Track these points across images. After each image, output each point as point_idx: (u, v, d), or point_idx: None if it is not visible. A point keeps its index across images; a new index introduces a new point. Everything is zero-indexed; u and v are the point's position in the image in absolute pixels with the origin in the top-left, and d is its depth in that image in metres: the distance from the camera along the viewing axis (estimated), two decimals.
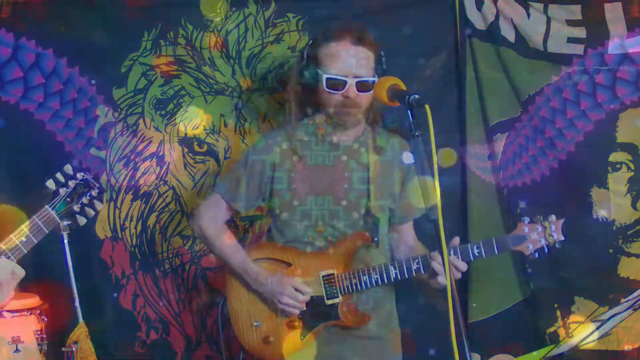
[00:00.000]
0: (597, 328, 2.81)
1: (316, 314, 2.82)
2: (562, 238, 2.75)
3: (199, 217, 3.01)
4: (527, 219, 2.78)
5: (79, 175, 2.61)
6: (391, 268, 2.78)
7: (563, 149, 3.55)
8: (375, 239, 2.86)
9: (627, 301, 2.87)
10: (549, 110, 3.56)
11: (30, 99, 3.49)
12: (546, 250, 2.76)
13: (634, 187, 3.57)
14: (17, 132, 3.50)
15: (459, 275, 2.74)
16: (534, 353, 3.49)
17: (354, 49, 2.82)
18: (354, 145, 2.92)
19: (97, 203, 2.64)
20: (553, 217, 2.77)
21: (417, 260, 2.76)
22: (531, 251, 2.76)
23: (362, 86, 2.81)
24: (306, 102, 2.94)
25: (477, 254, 2.74)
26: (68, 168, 2.61)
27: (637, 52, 3.46)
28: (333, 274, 2.82)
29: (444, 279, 2.69)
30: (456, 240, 2.76)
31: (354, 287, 2.80)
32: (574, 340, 2.88)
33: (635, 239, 3.57)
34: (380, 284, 2.80)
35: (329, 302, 2.81)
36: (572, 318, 3.57)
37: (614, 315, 2.85)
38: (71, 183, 2.58)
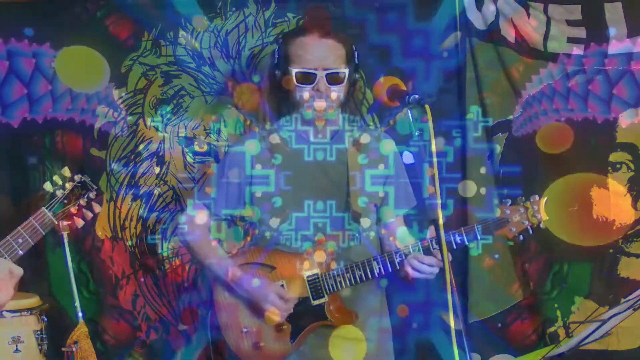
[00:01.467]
0: (597, 328, 2.80)
1: (304, 315, 2.80)
2: (546, 217, 2.71)
3: (181, 225, 2.96)
4: (508, 201, 2.73)
5: (77, 178, 2.61)
6: (374, 263, 2.74)
7: None
8: (357, 234, 2.84)
9: (627, 301, 2.86)
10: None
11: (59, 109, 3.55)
12: (530, 231, 2.73)
13: (634, 187, 3.57)
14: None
15: (441, 264, 2.67)
16: (534, 353, 3.48)
17: (322, 41, 2.79)
18: (332, 142, 2.88)
19: (95, 205, 2.63)
20: (536, 197, 2.73)
21: (399, 253, 2.74)
22: (515, 234, 2.70)
23: (333, 78, 2.77)
24: (280, 100, 2.89)
25: (459, 242, 2.69)
26: (66, 170, 2.60)
27: None
28: (317, 274, 2.80)
29: (415, 273, 2.69)
30: (432, 230, 2.71)
31: (339, 285, 2.78)
32: (574, 340, 2.86)
33: (635, 239, 3.57)
34: (364, 280, 2.77)
35: (315, 302, 2.79)
36: (572, 318, 3.57)
37: (614, 315, 2.83)
38: (68, 185, 2.58)
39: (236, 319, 2.83)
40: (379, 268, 2.74)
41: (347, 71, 2.79)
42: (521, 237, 2.73)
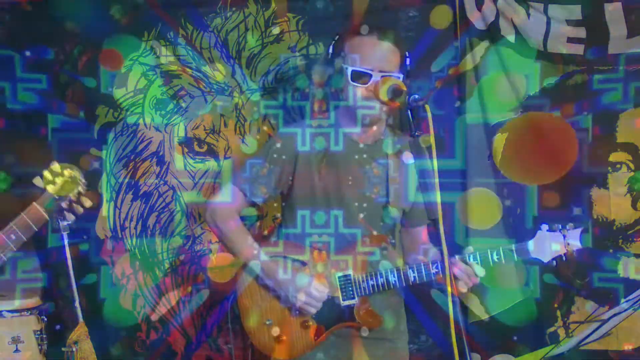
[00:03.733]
0: (597, 328, 2.80)
1: (331, 314, 2.79)
2: (580, 246, 2.75)
3: (213, 208, 2.90)
4: (545, 227, 2.77)
5: (66, 172, 2.59)
6: (410, 271, 2.75)
7: None
8: (393, 241, 2.85)
9: (627, 301, 2.87)
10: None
11: None
12: (564, 258, 2.77)
13: (634, 187, 3.57)
14: None
15: (477, 281, 2.72)
16: (534, 353, 3.49)
17: (380, 43, 2.76)
18: (375, 145, 2.89)
19: (84, 199, 2.62)
20: (571, 225, 2.77)
21: (436, 264, 2.74)
22: (549, 259, 2.76)
23: None
24: (330, 97, 2.89)
25: (496, 260, 2.73)
26: (55, 165, 2.59)
27: None
28: (350, 275, 2.80)
29: (463, 285, 2.70)
30: (470, 248, 2.75)
31: (371, 289, 2.78)
32: (574, 340, 2.87)
33: (635, 239, 3.57)
34: (397, 286, 2.78)
35: (345, 303, 2.79)
36: (572, 318, 3.57)
37: (614, 315, 2.84)
38: (58, 180, 2.57)
39: (259, 309, 2.83)
40: (414, 277, 2.75)
41: (401, 76, 2.76)
42: (554, 263, 2.76)
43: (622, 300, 3.26)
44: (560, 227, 2.76)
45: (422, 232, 2.97)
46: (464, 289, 2.72)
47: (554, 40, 3.53)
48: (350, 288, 2.78)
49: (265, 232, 2.92)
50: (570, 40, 3.53)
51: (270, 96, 3.58)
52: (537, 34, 3.54)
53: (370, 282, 2.76)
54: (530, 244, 2.75)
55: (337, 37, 2.88)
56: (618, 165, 3.58)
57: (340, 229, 2.81)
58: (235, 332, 2.89)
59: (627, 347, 3.51)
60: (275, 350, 2.79)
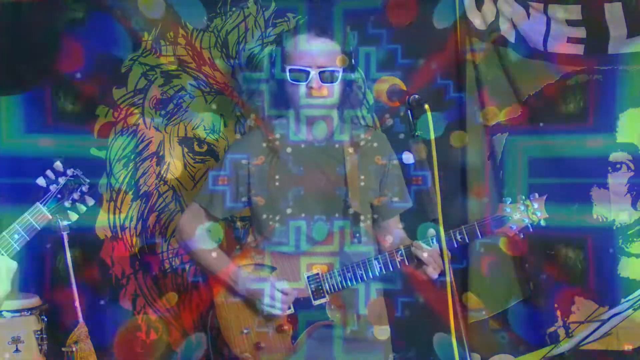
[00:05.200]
0: (597, 328, 2.81)
1: (305, 316, 2.81)
2: (546, 215, 2.73)
3: (179, 228, 2.98)
4: (508, 199, 2.75)
5: (69, 172, 2.60)
6: (375, 262, 2.76)
7: None
8: (357, 234, 2.85)
9: (627, 301, 2.87)
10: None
11: None
12: (530, 229, 2.75)
13: (634, 187, 3.57)
14: None
15: (440, 262, 2.69)
16: (534, 353, 3.49)
17: (317, 39, 2.78)
18: (328, 142, 2.88)
19: (88, 198, 2.62)
20: (535, 195, 2.75)
21: (400, 252, 2.75)
22: (515, 231, 2.74)
23: (326, 77, 2.77)
24: (277, 99, 2.89)
25: (460, 240, 2.72)
26: (58, 165, 2.60)
27: None
28: (318, 274, 2.81)
29: (432, 269, 2.70)
30: (431, 231, 2.72)
31: (340, 285, 2.79)
32: (574, 340, 2.87)
33: (635, 239, 3.57)
34: (365, 279, 2.79)
35: (316, 302, 2.80)
36: (572, 318, 3.57)
37: (614, 315, 2.85)
38: (61, 179, 2.57)
39: (237, 320, 2.84)
40: (380, 267, 2.76)
41: (340, 70, 2.79)
42: (522, 235, 2.75)
43: (622, 300, 3.27)
44: (523, 197, 2.74)
45: (393, 222, 2.98)
46: (434, 273, 2.71)
47: (554, 40, 3.53)
48: (320, 287, 2.79)
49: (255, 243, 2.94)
50: (570, 40, 3.53)
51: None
52: (537, 34, 3.54)
53: (338, 279, 2.78)
54: (494, 219, 2.74)
55: (278, 38, 2.90)
56: (618, 165, 3.58)
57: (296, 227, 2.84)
58: (215, 344, 2.91)
59: (627, 347, 3.52)
60: (257, 358, 2.81)
